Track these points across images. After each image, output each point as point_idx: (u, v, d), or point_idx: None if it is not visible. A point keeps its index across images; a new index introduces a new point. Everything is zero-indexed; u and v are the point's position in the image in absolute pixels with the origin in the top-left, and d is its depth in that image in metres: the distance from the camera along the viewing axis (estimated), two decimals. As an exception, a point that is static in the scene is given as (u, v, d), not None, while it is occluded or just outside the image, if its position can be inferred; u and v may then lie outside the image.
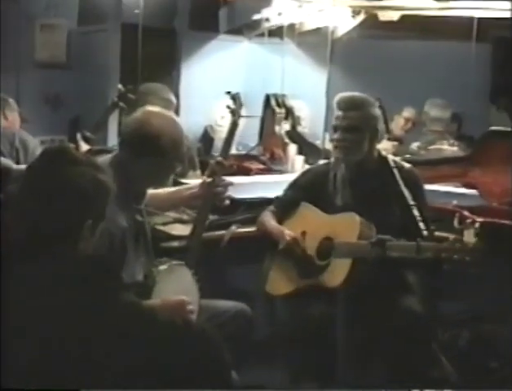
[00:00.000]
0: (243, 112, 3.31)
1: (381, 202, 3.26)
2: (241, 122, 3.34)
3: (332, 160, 3.45)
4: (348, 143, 3.29)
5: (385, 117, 5.62)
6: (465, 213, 3.74)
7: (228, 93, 3.34)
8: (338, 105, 3.33)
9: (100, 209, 2.08)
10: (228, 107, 3.30)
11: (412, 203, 3.19)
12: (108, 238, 2.51)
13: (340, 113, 3.31)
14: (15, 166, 3.97)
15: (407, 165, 3.41)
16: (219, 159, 3.13)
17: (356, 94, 3.39)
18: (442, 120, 6.05)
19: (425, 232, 3.10)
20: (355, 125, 3.28)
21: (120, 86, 4.47)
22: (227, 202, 3.15)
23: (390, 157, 3.43)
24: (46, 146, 2.87)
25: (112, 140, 5.50)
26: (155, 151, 2.74)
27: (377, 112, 3.38)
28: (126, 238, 2.68)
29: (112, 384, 1.94)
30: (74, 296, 1.92)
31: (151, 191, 2.99)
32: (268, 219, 3.44)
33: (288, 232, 3.28)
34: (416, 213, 3.16)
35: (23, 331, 1.89)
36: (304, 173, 3.64)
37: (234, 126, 3.27)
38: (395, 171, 3.31)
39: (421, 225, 3.13)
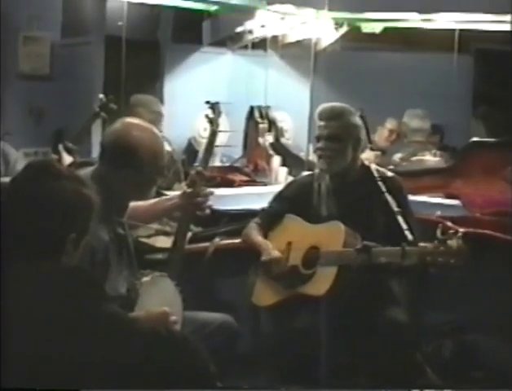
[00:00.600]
0: (225, 123, 3.32)
1: (366, 210, 3.28)
2: (225, 134, 3.34)
3: (316, 170, 3.46)
4: (331, 152, 3.32)
5: (366, 128, 5.66)
6: (448, 223, 3.75)
7: (207, 102, 3.34)
8: (320, 115, 3.38)
9: (84, 223, 2.08)
10: (207, 116, 3.30)
11: (396, 209, 3.20)
12: (89, 252, 2.49)
13: (321, 123, 3.36)
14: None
15: (389, 174, 3.46)
16: (199, 169, 3.12)
17: (337, 104, 3.44)
18: (422, 130, 6.08)
19: (409, 237, 3.10)
20: (336, 133, 3.32)
21: (101, 96, 4.46)
22: (208, 211, 3.14)
23: (373, 166, 3.46)
24: (30, 160, 2.86)
25: (96, 152, 5.48)
26: (133, 164, 2.71)
27: (358, 121, 3.43)
28: (109, 251, 2.66)
29: (112, 384, 1.94)
30: (59, 307, 1.92)
31: (132, 204, 2.97)
32: (254, 233, 3.45)
33: (272, 250, 3.31)
34: (400, 219, 3.17)
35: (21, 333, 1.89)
36: (289, 185, 3.66)
37: (213, 136, 3.27)
38: (379, 179, 3.33)
39: (406, 230, 3.13)
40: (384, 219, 3.24)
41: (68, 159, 4.39)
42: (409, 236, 3.11)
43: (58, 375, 1.89)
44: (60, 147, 4.41)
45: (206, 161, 3.22)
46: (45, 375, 1.89)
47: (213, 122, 3.29)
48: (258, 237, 3.43)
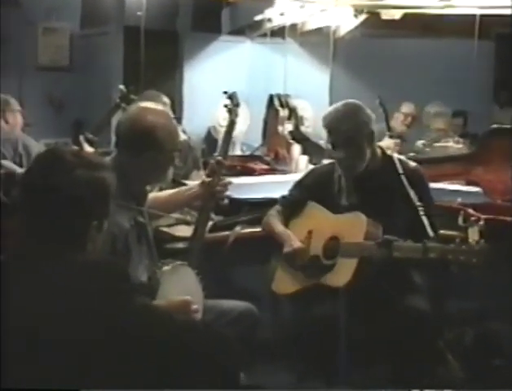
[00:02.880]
0: (245, 112, 3.30)
1: (387, 202, 3.22)
2: (244, 123, 3.34)
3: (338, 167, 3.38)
4: (349, 160, 3.25)
5: (386, 115, 5.66)
6: (470, 210, 3.73)
7: (225, 92, 3.34)
8: (326, 126, 3.26)
9: (103, 208, 2.07)
10: (226, 105, 3.30)
11: (418, 203, 3.15)
12: (110, 239, 2.52)
13: (330, 132, 3.25)
14: (19, 170, 3.98)
15: (412, 164, 3.35)
16: (218, 158, 3.13)
17: (338, 106, 3.29)
18: (443, 115, 6.05)
19: (431, 233, 3.06)
20: (348, 140, 3.21)
21: (121, 87, 4.47)
22: (226, 201, 3.15)
23: (395, 156, 3.38)
24: (39, 151, 2.86)
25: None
26: (152, 145, 2.74)
27: (366, 115, 3.27)
28: (129, 239, 2.68)
29: (112, 384, 1.94)
30: (83, 300, 1.92)
31: (152, 194, 2.99)
32: (275, 221, 3.42)
33: (294, 240, 3.27)
34: (422, 213, 3.13)
35: (23, 332, 1.89)
36: (309, 173, 3.62)
37: (231, 125, 3.26)
38: (401, 170, 3.27)
39: (428, 226, 3.10)
40: (405, 212, 3.19)
41: (89, 150, 4.41)
42: (430, 232, 3.06)
43: (64, 373, 1.90)
44: (81, 137, 4.43)
45: (225, 150, 3.22)
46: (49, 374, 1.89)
47: (231, 112, 3.29)
48: (279, 226, 3.40)
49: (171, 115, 2.93)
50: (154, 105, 2.92)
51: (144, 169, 2.77)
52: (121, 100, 4.38)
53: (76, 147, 4.26)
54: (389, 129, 5.82)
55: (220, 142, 3.63)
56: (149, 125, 2.75)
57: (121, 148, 2.80)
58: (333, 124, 3.24)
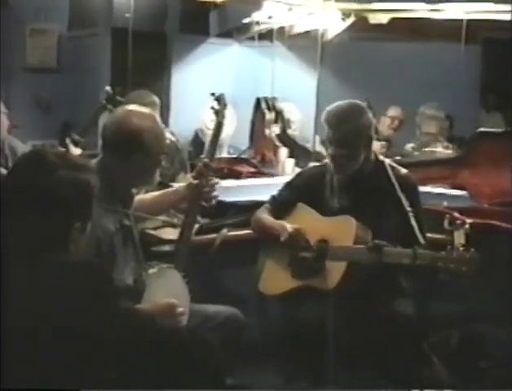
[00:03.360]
0: (232, 114, 3.30)
1: (378, 206, 3.22)
2: (232, 126, 3.33)
3: (328, 162, 3.38)
4: (343, 159, 3.24)
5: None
6: (456, 214, 3.74)
7: (213, 94, 3.34)
8: (327, 121, 3.24)
9: (86, 209, 2.07)
10: (212, 107, 3.29)
11: (408, 209, 3.14)
12: (95, 242, 2.51)
13: (330, 129, 3.23)
14: (3, 172, 3.96)
15: (403, 171, 3.35)
16: (205, 160, 3.13)
17: (343, 104, 3.29)
18: (437, 119, 6.05)
19: (422, 240, 3.06)
20: (346, 139, 3.21)
21: (108, 88, 4.46)
22: (214, 202, 3.15)
23: (387, 161, 3.36)
24: (22, 152, 2.85)
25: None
26: (138, 148, 2.73)
27: (368, 118, 3.28)
28: (114, 242, 2.67)
29: (112, 384, 1.94)
30: (68, 301, 1.92)
31: (138, 197, 2.99)
32: (265, 215, 3.41)
33: (289, 225, 3.25)
34: (412, 220, 3.11)
35: (22, 332, 1.89)
36: (300, 174, 3.61)
37: (219, 127, 3.25)
38: (392, 176, 3.27)
39: (418, 232, 3.08)
40: (396, 217, 3.18)
41: (75, 151, 4.40)
42: (421, 239, 3.06)
43: (63, 373, 1.89)
44: (67, 139, 4.43)
45: (212, 153, 3.22)
46: (49, 374, 1.89)
47: (218, 114, 3.29)
48: (269, 219, 3.38)
49: (158, 117, 2.93)
50: (140, 108, 2.91)
51: (130, 172, 2.77)
52: (108, 101, 4.38)
53: (61, 149, 4.26)
54: (376, 132, 5.83)
55: (207, 144, 3.62)
56: (135, 128, 2.74)
57: (107, 151, 2.79)
58: (334, 120, 3.23)
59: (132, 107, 2.91)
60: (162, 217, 3.63)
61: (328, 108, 3.29)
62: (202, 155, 3.23)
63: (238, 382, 3.01)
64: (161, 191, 3.19)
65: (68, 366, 1.90)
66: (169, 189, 3.28)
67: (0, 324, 1.87)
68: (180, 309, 2.54)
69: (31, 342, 1.88)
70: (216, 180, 3.13)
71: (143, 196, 3.08)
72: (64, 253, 2.00)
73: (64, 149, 4.38)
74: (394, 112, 6.47)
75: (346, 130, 3.20)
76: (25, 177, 2.00)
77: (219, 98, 3.31)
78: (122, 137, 2.75)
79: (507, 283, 3.61)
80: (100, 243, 2.58)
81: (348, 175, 3.30)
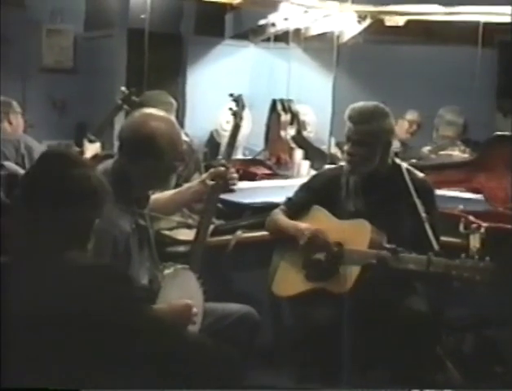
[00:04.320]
0: (248, 116, 3.29)
1: (393, 211, 3.21)
2: (247, 127, 3.33)
3: (344, 164, 3.38)
4: (358, 158, 3.23)
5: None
6: (471, 217, 3.73)
7: (231, 95, 3.33)
8: (349, 117, 3.24)
9: (103, 208, 2.09)
10: (231, 109, 3.29)
11: (424, 215, 3.12)
12: (111, 242, 2.52)
13: (351, 125, 3.23)
14: (21, 171, 3.98)
15: (420, 174, 3.34)
16: (223, 161, 3.13)
17: (369, 104, 3.29)
18: (456, 124, 6.03)
19: (436, 247, 3.03)
20: (365, 139, 3.21)
21: (123, 89, 4.47)
22: (235, 187, 3.15)
23: (404, 165, 3.35)
24: (43, 150, 2.86)
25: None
26: (153, 153, 2.73)
27: (391, 123, 3.28)
28: (130, 243, 2.68)
29: (112, 384, 1.94)
30: (84, 301, 1.92)
31: (153, 196, 3.00)
32: (281, 217, 3.41)
33: (306, 226, 3.25)
34: (427, 226, 3.09)
35: (24, 332, 1.89)
36: (316, 176, 3.60)
37: (236, 129, 3.25)
38: (408, 180, 3.25)
39: (433, 238, 3.06)
40: (411, 223, 3.16)
41: (91, 151, 4.41)
42: (436, 246, 3.03)
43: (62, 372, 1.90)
44: (84, 139, 4.44)
45: (229, 154, 3.22)
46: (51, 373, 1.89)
47: (236, 115, 3.28)
48: (285, 220, 3.37)
49: (175, 122, 2.91)
50: (158, 112, 2.90)
51: (144, 175, 2.77)
52: (123, 102, 4.39)
53: (78, 149, 4.28)
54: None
55: (223, 145, 3.63)
56: (150, 132, 2.73)
57: (123, 153, 2.80)
58: (357, 118, 3.23)
59: (150, 110, 2.91)
60: (177, 218, 3.64)
61: (354, 105, 3.28)
62: (219, 157, 3.24)
63: (250, 383, 3.00)
64: (176, 190, 3.19)
65: (69, 367, 1.90)
66: (184, 186, 3.28)
67: (0, 324, 1.87)
68: (195, 310, 2.55)
69: (39, 341, 1.89)
70: (235, 175, 3.13)
71: (158, 195, 3.08)
72: (81, 252, 2.01)
73: (79, 149, 4.40)
74: (412, 115, 6.45)
75: (368, 130, 3.20)
76: (44, 176, 2.01)
77: (238, 99, 3.31)
78: (137, 140, 2.75)
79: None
80: (116, 243, 2.58)
81: (363, 177, 3.30)
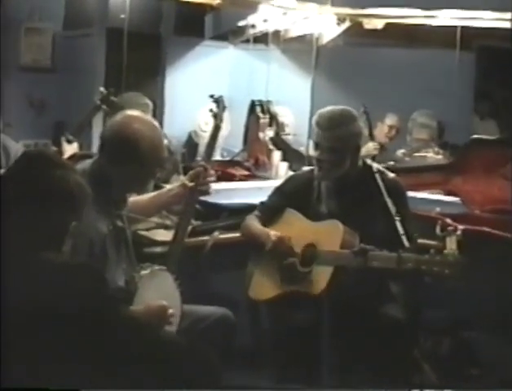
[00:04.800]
0: (227, 117, 3.28)
1: (365, 211, 3.23)
2: (226, 128, 3.32)
3: (314, 170, 3.39)
4: (328, 164, 3.23)
5: (369, 123, 5.68)
6: (448, 220, 3.75)
7: (211, 96, 3.32)
8: (317, 124, 3.24)
9: (81, 210, 2.08)
10: (211, 110, 3.28)
11: (394, 213, 3.14)
12: (87, 243, 2.50)
13: (319, 132, 3.23)
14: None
15: (391, 175, 3.36)
16: (202, 163, 3.12)
17: (336, 109, 3.29)
18: (429, 127, 6.05)
19: (406, 243, 3.05)
20: (334, 145, 3.21)
21: (102, 89, 4.45)
22: (210, 190, 3.15)
23: (375, 166, 3.37)
24: (25, 149, 2.84)
25: (97, 145, 5.49)
26: (134, 157, 2.72)
27: (359, 126, 3.31)
28: (107, 244, 2.66)
29: (112, 384, 1.94)
30: (62, 302, 1.91)
31: (132, 198, 2.98)
32: (253, 222, 3.42)
33: (274, 233, 3.25)
34: (398, 223, 3.11)
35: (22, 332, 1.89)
36: (288, 180, 3.62)
37: (216, 130, 3.24)
38: (379, 180, 3.27)
39: (403, 236, 3.08)
40: (382, 222, 3.18)
41: (69, 151, 4.39)
42: (406, 243, 3.05)
43: (58, 373, 1.89)
44: (62, 139, 4.42)
45: (209, 155, 3.21)
46: (46, 373, 1.88)
47: (217, 116, 3.27)
48: (256, 226, 3.38)
49: (159, 127, 2.88)
50: (143, 115, 2.88)
51: (125, 178, 2.75)
52: (102, 102, 4.37)
53: (55, 148, 4.25)
54: (372, 138, 5.84)
55: (202, 146, 3.62)
56: (134, 137, 2.72)
57: (104, 154, 2.78)
58: (325, 124, 3.23)
59: (135, 113, 2.88)
60: (155, 219, 3.63)
61: (321, 111, 3.29)
62: (198, 158, 3.24)
63: (228, 383, 3.00)
64: (155, 192, 3.18)
65: (62, 366, 1.89)
66: (163, 189, 3.27)
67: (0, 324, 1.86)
68: (171, 311, 2.54)
69: (26, 341, 1.88)
70: (212, 178, 3.12)
71: (137, 197, 3.06)
72: (56, 254, 2.00)
73: (57, 148, 4.37)
74: (392, 120, 6.45)
75: (336, 135, 3.21)
76: (21, 177, 2.00)
77: (218, 101, 3.30)
78: (120, 143, 2.73)
79: (498, 289, 3.61)
80: (93, 245, 2.57)
81: (335, 180, 3.31)
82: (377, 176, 3.27)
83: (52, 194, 1.98)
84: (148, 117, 2.90)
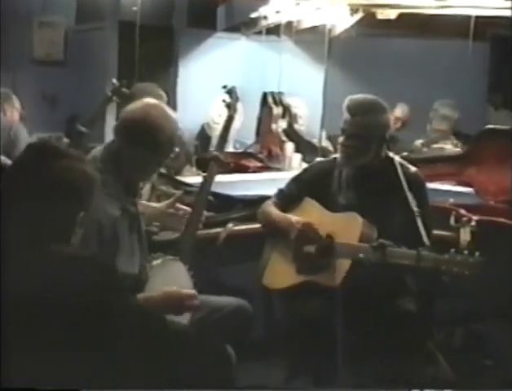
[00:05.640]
0: (239, 109, 3.26)
1: (385, 204, 3.19)
2: (239, 120, 3.30)
3: (337, 157, 3.37)
4: (352, 150, 3.21)
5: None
6: (462, 211, 3.73)
7: (224, 87, 3.30)
8: (348, 108, 3.21)
9: (89, 201, 2.07)
10: (224, 101, 3.26)
11: (415, 209, 3.10)
12: (96, 227, 2.49)
13: (347, 117, 3.21)
14: (9, 162, 3.98)
15: (412, 168, 3.32)
16: (215, 153, 3.11)
17: (368, 97, 3.28)
18: (450, 119, 6.02)
19: (427, 241, 3.01)
20: (360, 132, 3.18)
21: (114, 81, 4.44)
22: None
23: (397, 159, 3.33)
24: (30, 142, 2.84)
25: (110, 137, 5.51)
26: (151, 142, 2.73)
27: (387, 118, 3.27)
28: (117, 228, 2.66)
29: (112, 384, 1.93)
30: (71, 296, 1.91)
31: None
32: (273, 209, 3.39)
33: (296, 218, 3.24)
34: (418, 220, 3.08)
35: (23, 331, 1.88)
36: (308, 169, 3.58)
37: (230, 120, 3.23)
38: (401, 174, 3.23)
39: (424, 233, 3.04)
40: (402, 217, 3.14)
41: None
42: (426, 241, 3.01)
43: (62, 371, 1.88)
44: (77, 127, 4.41)
45: (222, 146, 3.20)
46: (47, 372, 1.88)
47: (230, 107, 3.25)
48: (278, 213, 3.36)
49: (177, 120, 2.89)
50: (163, 106, 2.88)
51: (136, 162, 2.76)
52: (113, 93, 4.36)
53: (67, 141, 4.26)
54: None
55: (214, 138, 3.61)
56: (154, 123, 2.73)
57: (121, 136, 2.78)
58: (355, 109, 3.20)
59: (156, 102, 2.89)
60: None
61: (353, 97, 3.26)
62: (211, 149, 3.23)
63: (240, 376, 3.00)
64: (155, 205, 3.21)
65: (68, 365, 1.88)
66: (162, 205, 3.27)
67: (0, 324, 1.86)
68: (191, 293, 2.48)
69: (30, 338, 1.87)
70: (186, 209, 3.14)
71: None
72: (65, 245, 2.00)
73: (69, 141, 4.38)
74: (399, 112, 6.43)
75: (363, 122, 3.19)
76: (28, 167, 2.00)
77: (231, 91, 3.27)
78: (140, 126, 2.74)
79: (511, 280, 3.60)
80: (102, 228, 2.56)
81: (356, 170, 3.29)
82: (399, 169, 3.24)
83: (57, 185, 1.97)
84: (168, 109, 2.89)
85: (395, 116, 6.39)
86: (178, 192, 3.35)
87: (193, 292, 2.48)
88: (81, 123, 4.38)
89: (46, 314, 1.87)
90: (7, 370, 1.83)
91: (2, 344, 1.84)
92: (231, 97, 3.27)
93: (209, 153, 3.18)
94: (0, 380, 1.82)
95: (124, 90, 4.31)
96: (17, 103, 4.84)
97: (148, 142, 2.73)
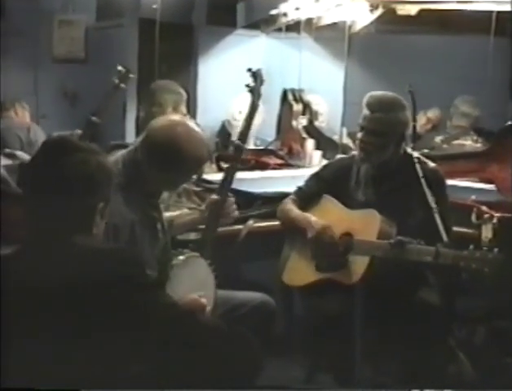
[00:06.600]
0: (260, 106, 3.15)
1: (403, 201, 3.19)
2: (259, 117, 3.21)
3: (356, 154, 3.37)
4: (371, 147, 3.22)
5: (414, 105, 5.61)
6: (483, 207, 3.71)
7: (249, 70, 3.15)
8: (368, 105, 3.22)
9: (107, 192, 2.09)
10: (248, 85, 3.10)
11: (434, 205, 3.09)
12: (112, 230, 2.45)
13: (367, 113, 3.21)
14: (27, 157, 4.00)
15: (431, 164, 3.32)
16: (237, 142, 3.06)
17: (389, 94, 3.28)
18: (470, 116, 6.00)
19: (445, 238, 3.00)
20: (379, 129, 3.19)
21: (120, 67, 4.38)
22: (234, 218, 3.12)
23: (415, 155, 3.33)
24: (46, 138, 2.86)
25: (130, 137, 5.53)
26: (176, 170, 2.70)
27: (407, 116, 3.28)
28: (136, 230, 2.63)
29: (112, 384, 1.93)
30: (93, 288, 1.91)
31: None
32: (292, 207, 3.40)
33: (314, 219, 3.24)
34: (437, 216, 3.06)
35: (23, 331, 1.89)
36: (327, 166, 3.59)
37: (253, 107, 3.07)
38: (419, 170, 3.21)
39: (442, 229, 3.02)
40: (421, 213, 3.13)
41: None
42: (445, 237, 2.99)
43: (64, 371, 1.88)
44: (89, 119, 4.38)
45: (245, 134, 3.05)
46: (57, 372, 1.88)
47: (254, 92, 3.09)
48: (295, 211, 3.36)
49: (201, 134, 2.78)
50: (187, 121, 2.79)
51: (160, 180, 2.72)
52: (120, 81, 4.31)
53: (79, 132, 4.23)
54: (414, 120, 5.78)
55: (236, 135, 3.57)
56: (177, 147, 2.64)
57: (145, 153, 2.70)
58: (375, 106, 3.21)
59: (179, 118, 2.84)
60: (188, 204, 3.63)
61: (373, 93, 3.27)
62: (233, 139, 3.17)
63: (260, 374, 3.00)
64: (177, 212, 3.18)
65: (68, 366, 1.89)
66: (182, 212, 3.24)
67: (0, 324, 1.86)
68: (203, 301, 2.48)
69: (29, 340, 1.88)
70: (233, 199, 3.07)
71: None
72: (87, 236, 2.01)
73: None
74: (432, 114, 6.42)
75: (383, 119, 3.18)
76: (47, 161, 2.02)
77: (256, 75, 3.12)
78: (163, 151, 2.65)
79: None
80: (118, 231, 2.53)
81: (374, 167, 3.28)
82: (417, 165, 3.23)
83: (74, 178, 1.99)
84: (191, 123, 2.80)
85: (427, 116, 6.39)
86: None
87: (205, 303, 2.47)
88: (92, 113, 4.34)
89: (56, 310, 1.87)
90: (7, 370, 1.84)
91: (1, 344, 1.85)
92: (255, 81, 3.12)
93: (232, 143, 3.09)
94: (0, 380, 1.83)
95: (131, 75, 4.26)
96: (27, 107, 4.84)
97: (172, 169, 2.68)
